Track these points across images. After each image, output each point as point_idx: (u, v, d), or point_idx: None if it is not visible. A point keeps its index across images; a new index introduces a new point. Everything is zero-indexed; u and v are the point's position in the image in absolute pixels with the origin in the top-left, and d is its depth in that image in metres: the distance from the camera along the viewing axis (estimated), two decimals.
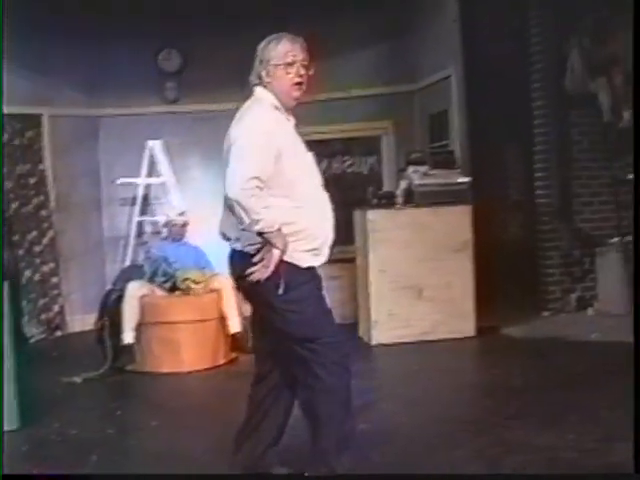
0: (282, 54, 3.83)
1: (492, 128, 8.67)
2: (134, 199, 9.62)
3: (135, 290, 7.18)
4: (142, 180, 9.54)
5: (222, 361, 7.32)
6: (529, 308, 8.66)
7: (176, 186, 9.49)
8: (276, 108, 3.85)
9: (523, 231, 9.53)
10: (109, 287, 7.89)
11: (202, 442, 5.00)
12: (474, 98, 8.54)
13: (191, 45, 9.62)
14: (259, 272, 3.59)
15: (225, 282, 7.35)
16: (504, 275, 8.68)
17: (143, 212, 9.65)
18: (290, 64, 3.81)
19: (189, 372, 7.01)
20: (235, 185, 3.60)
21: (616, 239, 8.50)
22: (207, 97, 9.66)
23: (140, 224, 9.60)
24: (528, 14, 8.73)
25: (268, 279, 3.66)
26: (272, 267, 3.56)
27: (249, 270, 3.61)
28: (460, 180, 7.77)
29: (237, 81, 9.52)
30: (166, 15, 8.84)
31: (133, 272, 7.79)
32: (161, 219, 8.54)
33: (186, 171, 9.80)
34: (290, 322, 3.81)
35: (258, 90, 3.93)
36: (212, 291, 7.37)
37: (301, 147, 3.87)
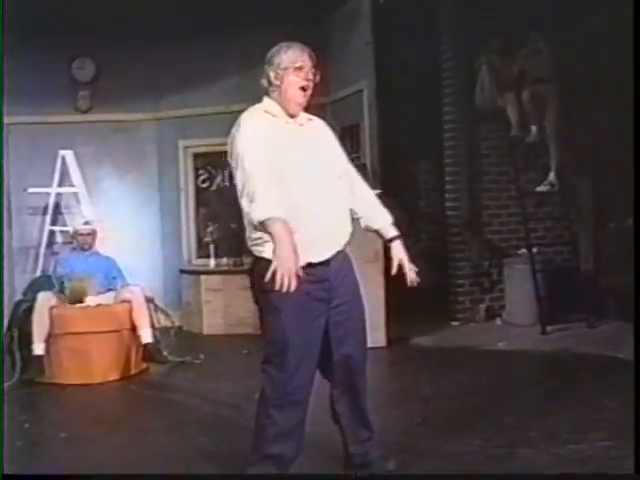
0: (292, 58, 3.91)
1: (403, 141, 8.82)
2: (45, 208, 9.53)
3: (45, 301, 7.09)
4: (53, 189, 9.44)
5: (133, 372, 7.27)
6: (439, 318, 8.81)
7: (87, 196, 9.41)
8: (272, 114, 3.90)
9: (433, 242, 9.69)
10: (19, 298, 7.79)
11: (111, 453, 4.98)
12: (386, 112, 8.68)
13: (105, 54, 9.57)
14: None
15: (136, 292, 7.35)
16: (415, 286, 8.81)
17: (54, 222, 9.55)
18: (299, 68, 3.89)
19: (100, 383, 6.94)
20: (258, 211, 3.61)
21: (523, 250, 8.69)
22: (120, 107, 9.64)
23: (51, 234, 9.50)
24: (439, 34, 8.91)
25: (257, 277, 3.80)
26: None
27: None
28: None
29: (151, 91, 9.69)
30: (81, 24, 8.77)
31: (43, 282, 7.69)
32: (71, 229, 8.46)
33: (98, 181, 9.72)
34: (264, 322, 3.95)
35: (264, 99, 3.99)
36: (123, 302, 7.32)
37: (298, 149, 3.87)
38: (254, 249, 3.90)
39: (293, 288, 3.47)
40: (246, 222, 3.85)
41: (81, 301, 7.33)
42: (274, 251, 3.52)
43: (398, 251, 4.20)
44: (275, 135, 3.83)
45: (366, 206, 4.20)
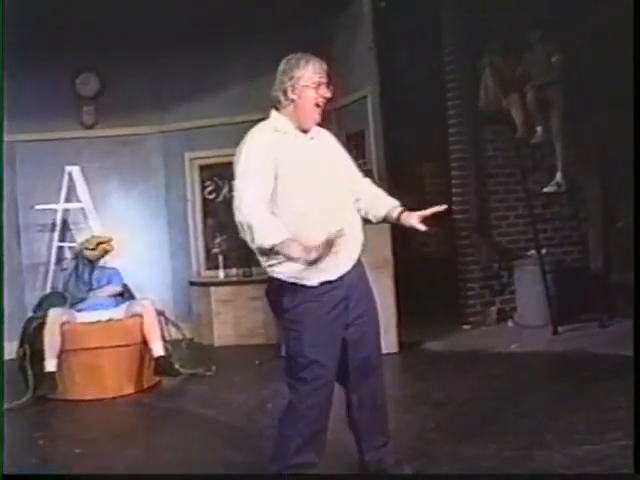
0: (311, 74, 3.89)
1: (409, 146, 8.81)
2: (53, 225, 9.52)
3: (56, 317, 7.10)
4: (61, 206, 9.45)
5: (146, 385, 7.27)
6: (450, 322, 8.79)
7: (95, 211, 9.41)
8: (282, 131, 3.89)
9: (442, 246, 9.68)
10: (30, 314, 7.80)
11: (126, 468, 4.98)
12: (390, 117, 8.67)
13: (109, 69, 9.58)
14: None
15: (147, 306, 7.35)
16: (425, 290, 8.82)
17: (62, 238, 9.55)
18: (317, 84, 3.89)
19: (113, 398, 6.95)
20: (240, 210, 3.74)
21: (533, 252, 8.67)
22: (125, 121, 9.65)
23: (60, 250, 9.50)
24: (442, 37, 8.90)
25: (277, 297, 3.89)
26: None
27: None
28: None
29: (155, 105, 9.70)
30: (84, 39, 8.79)
31: (54, 299, 7.70)
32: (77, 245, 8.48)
33: (105, 196, 9.73)
34: (288, 340, 3.96)
35: (272, 114, 3.99)
36: (134, 316, 7.33)
37: (309, 165, 3.88)
38: (268, 269, 3.93)
39: (315, 257, 3.56)
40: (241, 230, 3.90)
41: (105, 246, 7.50)
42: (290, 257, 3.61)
43: (408, 217, 4.08)
44: (281, 152, 3.82)
45: (371, 199, 4.17)
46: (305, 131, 3.96)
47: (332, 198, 3.91)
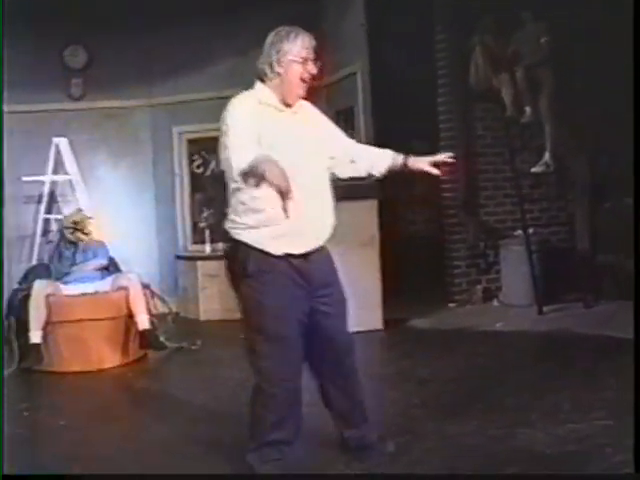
0: (299, 48, 3.86)
1: (398, 124, 8.79)
2: (40, 197, 9.49)
3: (41, 289, 7.08)
4: (48, 177, 9.41)
5: (131, 358, 7.27)
6: (436, 300, 8.83)
7: (82, 183, 9.38)
8: (265, 103, 3.86)
9: (429, 225, 9.70)
10: (15, 286, 7.78)
11: (110, 441, 4.99)
12: (380, 94, 8.66)
13: (97, 42, 9.52)
14: None
15: (133, 279, 7.35)
16: (411, 268, 8.84)
17: (49, 210, 9.53)
18: (305, 59, 3.86)
19: (98, 370, 6.95)
20: (241, 160, 3.63)
21: (519, 231, 8.69)
22: (113, 94, 9.61)
23: (46, 222, 9.48)
24: (433, 15, 8.88)
25: (240, 262, 3.85)
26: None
27: None
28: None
29: (143, 78, 9.66)
30: (73, 11, 8.73)
31: (39, 271, 7.69)
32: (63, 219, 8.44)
33: (93, 168, 9.70)
34: (248, 311, 3.91)
35: (256, 85, 3.95)
36: (120, 289, 7.32)
37: (291, 139, 3.84)
38: (233, 232, 3.92)
39: (289, 190, 3.50)
40: (232, 202, 3.94)
41: (83, 230, 7.52)
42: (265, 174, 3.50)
43: (417, 161, 4.09)
44: (264, 124, 3.79)
45: (369, 157, 4.17)
46: (289, 105, 3.93)
47: (311, 174, 3.89)
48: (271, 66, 3.88)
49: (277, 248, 3.81)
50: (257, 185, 3.59)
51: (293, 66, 3.86)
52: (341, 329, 4.09)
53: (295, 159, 3.77)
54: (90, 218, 7.82)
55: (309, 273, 3.88)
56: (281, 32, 3.90)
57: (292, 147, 3.82)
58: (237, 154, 3.64)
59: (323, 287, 3.95)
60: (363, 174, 4.19)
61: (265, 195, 3.69)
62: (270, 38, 3.92)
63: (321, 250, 3.98)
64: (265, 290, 3.84)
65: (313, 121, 4.07)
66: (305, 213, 3.79)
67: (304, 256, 3.87)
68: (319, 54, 3.93)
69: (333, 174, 4.13)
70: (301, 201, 3.73)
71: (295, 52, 3.85)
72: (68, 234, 7.62)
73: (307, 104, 4.08)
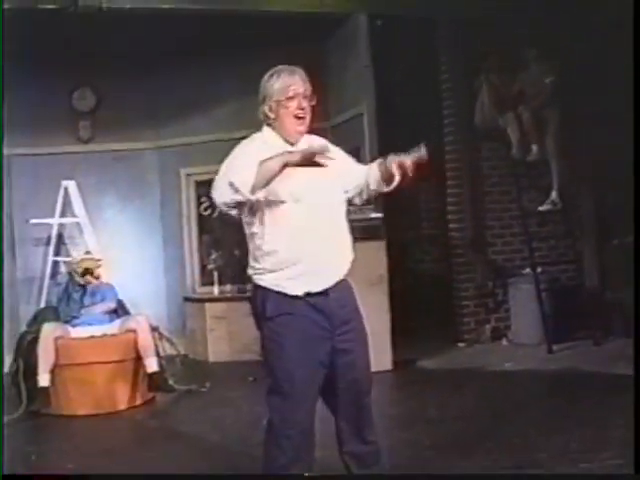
0: (282, 89, 3.83)
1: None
2: (48, 239, 9.50)
3: (50, 332, 7.08)
4: (56, 220, 9.43)
5: (140, 401, 7.24)
6: (445, 340, 8.79)
7: (90, 226, 9.40)
8: (269, 144, 3.84)
9: (437, 264, 9.69)
10: (23, 329, 7.78)
11: None
12: (386, 135, 8.68)
13: (105, 84, 9.59)
14: None
15: (141, 321, 7.34)
16: (419, 308, 8.82)
17: (57, 252, 9.54)
18: (291, 98, 3.82)
19: (106, 414, 6.92)
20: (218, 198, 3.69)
21: (528, 270, 8.68)
22: (121, 136, 9.65)
23: (55, 264, 9.49)
24: (438, 55, 8.94)
25: (260, 305, 3.83)
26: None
27: None
28: (374, 215, 7.85)
29: (151, 120, 9.71)
30: (81, 54, 8.80)
31: (47, 313, 7.68)
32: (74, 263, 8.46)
33: (101, 211, 9.72)
34: (268, 352, 3.88)
35: (263, 128, 3.95)
36: (128, 331, 7.31)
37: (297, 178, 3.76)
38: (255, 277, 3.89)
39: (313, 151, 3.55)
40: (250, 248, 3.88)
41: (92, 273, 7.56)
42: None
43: (390, 161, 3.90)
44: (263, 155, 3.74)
45: (369, 176, 4.05)
46: (292, 144, 3.89)
47: (324, 210, 3.86)
48: (264, 114, 3.89)
49: (295, 288, 3.78)
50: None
51: (281, 107, 3.83)
52: (362, 366, 4.01)
53: (305, 196, 3.77)
54: (99, 260, 7.84)
55: (330, 310, 3.83)
56: (264, 78, 3.91)
57: (301, 186, 3.78)
58: (240, 173, 3.62)
59: (344, 323, 3.89)
60: (373, 194, 4.11)
61: (277, 235, 3.73)
62: (260, 86, 3.93)
63: (341, 284, 3.92)
64: (284, 332, 3.81)
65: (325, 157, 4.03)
66: (320, 250, 3.78)
67: (324, 293, 3.83)
68: (313, 84, 3.90)
69: (351, 202, 4.10)
70: (315, 238, 3.75)
71: (278, 93, 3.83)
72: (77, 277, 7.63)
73: (316, 139, 4.02)
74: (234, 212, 3.80)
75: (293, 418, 3.83)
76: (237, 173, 3.63)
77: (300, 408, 3.83)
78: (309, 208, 3.75)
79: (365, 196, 4.11)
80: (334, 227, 3.90)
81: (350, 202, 4.11)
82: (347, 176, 4.03)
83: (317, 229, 3.76)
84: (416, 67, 9.15)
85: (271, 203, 3.76)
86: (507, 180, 9.01)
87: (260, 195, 3.65)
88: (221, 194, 3.69)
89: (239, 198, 3.64)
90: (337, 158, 4.00)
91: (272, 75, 3.88)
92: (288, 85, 3.83)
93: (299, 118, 3.86)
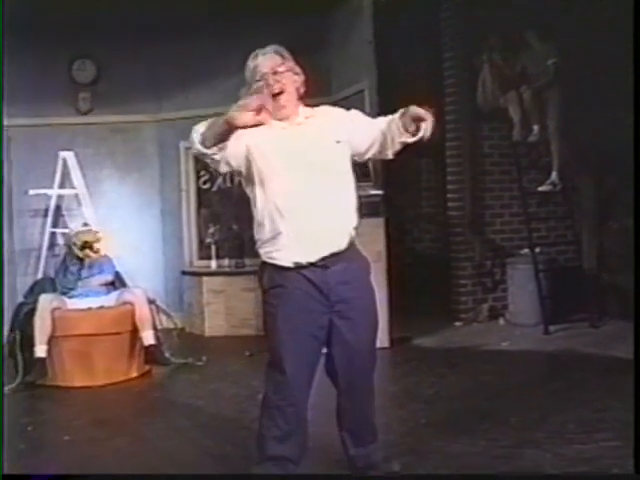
0: (252, 73, 3.89)
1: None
2: (46, 210, 9.49)
3: (47, 303, 7.07)
4: (54, 191, 9.41)
5: (136, 374, 7.25)
6: (442, 318, 8.80)
7: (89, 198, 9.38)
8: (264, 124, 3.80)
9: (436, 243, 9.68)
10: (20, 300, 7.78)
11: (115, 456, 4.97)
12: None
13: (106, 56, 9.54)
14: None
15: (139, 294, 7.33)
16: (417, 286, 8.82)
17: (55, 224, 9.52)
18: (259, 80, 3.86)
19: (102, 386, 6.92)
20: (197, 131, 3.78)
21: (526, 250, 8.68)
22: (121, 108, 9.61)
23: (52, 235, 9.48)
24: (441, 33, 8.90)
25: (259, 279, 3.93)
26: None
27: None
28: (373, 192, 7.84)
29: (152, 93, 9.67)
30: (82, 25, 8.74)
31: (45, 285, 7.68)
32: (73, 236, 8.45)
33: (99, 183, 9.70)
34: (264, 324, 3.98)
35: None
36: (126, 304, 7.31)
37: (286, 151, 3.82)
38: (258, 250, 3.93)
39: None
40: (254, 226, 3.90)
41: (91, 247, 7.52)
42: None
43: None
44: (256, 140, 3.80)
45: (385, 131, 4.00)
46: (283, 119, 3.90)
47: (318, 181, 3.83)
48: (250, 90, 3.92)
49: (284, 259, 3.80)
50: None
51: (260, 88, 3.86)
52: (363, 344, 4.01)
53: (292, 169, 3.79)
54: (98, 233, 7.82)
55: (326, 285, 3.82)
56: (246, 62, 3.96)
57: (288, 159, 3.81)
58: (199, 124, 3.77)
59: (343, 301, 3.87)
60: (398, 148, 4.02)
61: (264, 206, 3.79)
62: None
63: (345, 259, 3.88)
64: (278, 305, 3.85)
65: (323, 128, 3.98)
66: (312, 220, 3.78)
67: (322, 267, 3.82)
68: (280, 61, 3.91)
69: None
70: (306, 209, 3.76)
71: (255, 75, 3.88)
72: (76, 250, 7.61)
73: (322, 109, 4.07)
74: (211, 163, 3.86)
75: (285, 390, 3.86)
76: (198, 125, 3.79)
77: (292, 381, 3.84)
78: (296, 178, 3.77)
79: (390, 150, 4.02)
80: (329, 198, 3.85)
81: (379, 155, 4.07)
82: (355, 137, 3.99)
83: (305, 202, 3.76)
84: (419, 44, 9.11)
85: (260, 173, 3.81)
86: (507, 160, 8.99)
87: (214, 151, 3.71)
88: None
89: (193, 148, 3.81)
90: (343, 126, 3.99)
91: (250, 60, 3.96)
92: (256, 66, 3.90)
93: (274, 95, 3.85)
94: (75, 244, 7.64)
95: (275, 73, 3.87)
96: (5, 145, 9.07)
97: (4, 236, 9.00)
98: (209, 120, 3.72)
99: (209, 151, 3.71)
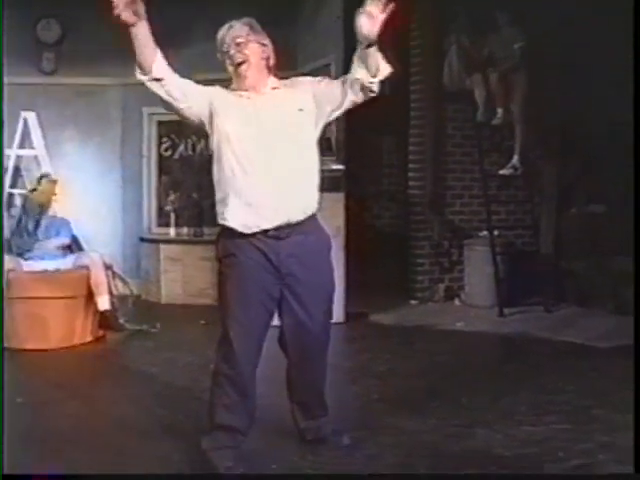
0: (219, 44, 3.96)
1: (369, 117, 8.78)
2: (4, 170, 9.38)
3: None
4: (13, 151, 9.31)
5: (90, 339, 7.21)
6: (398, 296, 8.84)
7: (48, 159, 9.29)
8: (229, 89, 3.97)
9: (395, 220, 9.71)
10: None
11: (67, 420, 4.95)
12: None
13: (72, 16, 9.41)
14: None
15: (95, 259, 7.29)
16: (375, 263, 8.85)
17: (13, 184, 9.42)
18: (234, 45, 3.91)
19: (56, 349, 6.89)
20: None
21: (484, 232, 8.73)
22: (86, 70, 9.49)
23: (10, 196, 9.37)
24: (409, 13, 8.87)
25: (216, 245, 3.97)
26: None
27: None
28: (335, 167, 7.84)
29: (117, 56, 9.51)
30: None
31: None
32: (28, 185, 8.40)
33: (60, 145, 9.60)
34: (218, 292, 4.03)
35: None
36: (81, 268, 7.26)
37: (249, 119, 3.86)
38: (217, 214, 3.95)
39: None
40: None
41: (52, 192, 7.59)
42: None
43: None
44: (220, 101, 3.90)
45: (348, 83, 4.06)
46: (248, 90, 3.94)
47: (281, 150, 3.86)
48: (222, 62, 3.99)
49: (233, 221, 3.83)
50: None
51: (226, 56, 3.94)
52: (313, 318, 4.03)
53: (252, 135, 3.83)
54: (56, 182, 7.76)
55: (277, 255, 3.85)
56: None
57: (249, 124, 3.85)
58: None
59: (296, 272, 3.90)
60: (363, 91, 4.09)
61: (220, 163, 3.86)
62: None
63: (301, 232, 3.91)
64: (229, 274, 3.89)
65: (289, 96, 4.01)
66: (265, 187, 3.80)
67: (274, 237, 3.84)
68: (247, 32, 3.96)
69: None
70: (259, 174, 3.79)
71: (223, 43, 3.94)
72: (34, 201, 7.54)
73: (290, 81, 4.11)
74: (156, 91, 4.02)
75: (233, 359, 3.89)
76: None
77: (239, 350, 3.87)
78: (253, 144, 3.83)
79: (359, 96, 4.09)
80: (287, 166, 3.87)
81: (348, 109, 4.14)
82: (322, 102, 4.04)
83: (260, 165, 3.81)
84: (387, 24, 9.07)
85: (219, 132, 3.87)
86: (470, 142, 9.02)
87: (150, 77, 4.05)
88: None
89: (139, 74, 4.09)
90: (308, 95, 4.01)
91: (223, 26, 4.03)
92: (221, 37, 3.96)
93: (239, 64, 3.91)
94: (33, 189, 7.59)
95: (238, 44, 3.91)
96: None
97: None
98: None
99: (144, 77, 4.01)
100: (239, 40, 3.90)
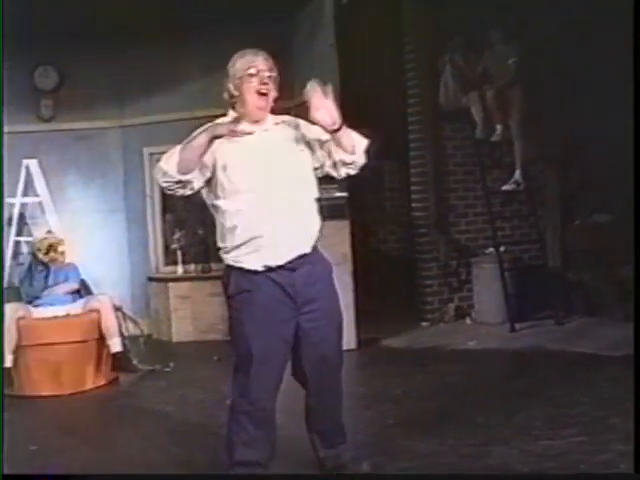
0: (245, 66, 3.94)
1: (368, 143, 8.82)
2: (10, 219, 9.41)
3: (12, 312, 7.00)
4: (18, 199, 9.35)
5: (103, 382, 7.21)
6: (408, 319, 8.83)
7: (52, 205, 9.33)
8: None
9: (401, 244, 9.71)
10: None
11: (83, 465, 4.94)
12: (349, 114, 8.63)
13: (68, 62, 9.47)
14: None
15: (104, 301, 7.30)
16: (383, 287, 8.85)
17: (19, 232, 9.46)
18: (253, 75, 3.92)
19: (70, 394, 6.88)
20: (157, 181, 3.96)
21: (491, 249, 8.72)
22: (84, 115, 9.55)
23: (17, 244, 9.41)
24: (403, 34, 8.92)
25: (224, 284, 3.96)
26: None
27: None
28: (338, 195, 7.85)
29: (114, 99, 9.62)
30: (44, 32, 8.69)
31: (10, 294, 7.62)
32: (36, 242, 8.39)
33: (63, 190, 9.63)
34: (230, 329, 4.01)
35: (229, 112, 4.05)
36: (92, 311, 7.27)
37: (254, 155, 3.88)
38: (223, 257, 3.97)
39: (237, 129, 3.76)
40: (217, 228, 3.96)
41: (56, 250, 7.52)
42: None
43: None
44: (225, 146, 3.85)
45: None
46: (256, 122, 3.95)
47: (285, 185, 3.89)
48: (229, 92, 3.98)
49: (253, 262, 3.84)
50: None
51: (243, 83, 3.93)
52: (330, 345, 4.05)
53: (262, 173, 3.84)
54: (61, 240, 7.78)
55: (293, 287, 3.87)
56: (230, 60, 4.02)
57: (256, 162, 3.87)
58: (167, 157, 3.86)
59: (309, 302, 3.92)
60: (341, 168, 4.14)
61: (236, 211, 3.81)
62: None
63: (310, 262, 3.94)
64: (244, 309, 3.88)
65: (289, 136, 4.05)
66: (279, 224, 3.82)
67: (289, 270, 3.87)
68: (275, 65, 4.01)
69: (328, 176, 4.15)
70: (273, 213, 3.81)
71: (241, 70, 3.93)
72: (41, 255, 7.57)
73: (289, 119, 4.16)
74: (181, 191, 3.96)
75: (252, 395, 3.88)
76: (165, 157, 3.86)
77: (259, 385, 3.88)
78: (267, 183, 3.84)
79: (342, 172, 4.15)
80: (294, 201, 3.91)
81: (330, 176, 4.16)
82: (317, 151, 4.07)
83: (275, 205, 3.82)
84: (381, 46, 9.13)
85: (230, 178, 3.86)
86: (471, 160, 9.03)
87: (195, 175, 3.86)
88: (156, 178, 3.95)
89: (169, 179, 3.86)
90: (307, 135, 4.03)
91: (236, 56, 4.01)
92: (250, 62, 3.95)
93: (261, 94, 3.94)
94: (39, 249, 7.60)
95: (269, 76, 3.96)
96: None
97: None
98: (173, 151, 3.84)
99: (189, 176, 3.83)
100: (266, 73, 3.94)
